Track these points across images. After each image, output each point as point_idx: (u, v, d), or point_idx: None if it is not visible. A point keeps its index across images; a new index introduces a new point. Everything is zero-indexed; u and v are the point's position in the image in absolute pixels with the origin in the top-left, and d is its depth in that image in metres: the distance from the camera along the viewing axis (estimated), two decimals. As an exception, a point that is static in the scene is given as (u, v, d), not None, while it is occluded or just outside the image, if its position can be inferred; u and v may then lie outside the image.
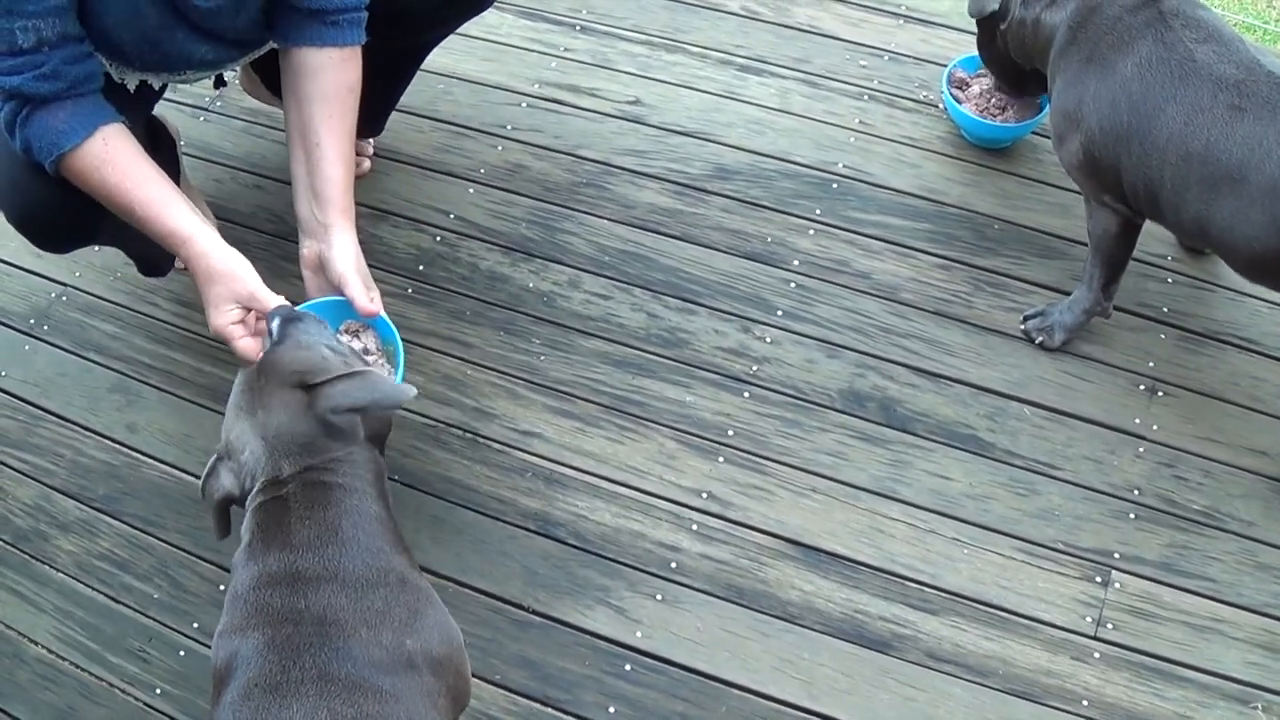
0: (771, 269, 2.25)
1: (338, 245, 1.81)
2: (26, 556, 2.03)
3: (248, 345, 1.69)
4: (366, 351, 1.82)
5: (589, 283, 2.25)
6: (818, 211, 2.31)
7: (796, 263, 2.25)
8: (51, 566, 2.02)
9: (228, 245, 1.72)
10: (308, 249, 1.85)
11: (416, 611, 1.44)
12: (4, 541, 2.05)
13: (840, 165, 2.37)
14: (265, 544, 1.42)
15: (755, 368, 2.13)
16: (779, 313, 2.19)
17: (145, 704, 1.88)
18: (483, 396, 2.13)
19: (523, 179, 2.40)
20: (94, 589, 1.99)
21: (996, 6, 2.08)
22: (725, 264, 2.26)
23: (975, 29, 2.23)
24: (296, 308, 1.84)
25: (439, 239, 2.33)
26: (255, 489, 1.47)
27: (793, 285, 2.22)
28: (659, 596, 1.92)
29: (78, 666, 1.92)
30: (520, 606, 1.93)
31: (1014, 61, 2.14)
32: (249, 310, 1.70)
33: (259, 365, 1.56)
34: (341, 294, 1.80)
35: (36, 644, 1.95)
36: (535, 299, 2.24)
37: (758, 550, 1.95)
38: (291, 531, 1.41)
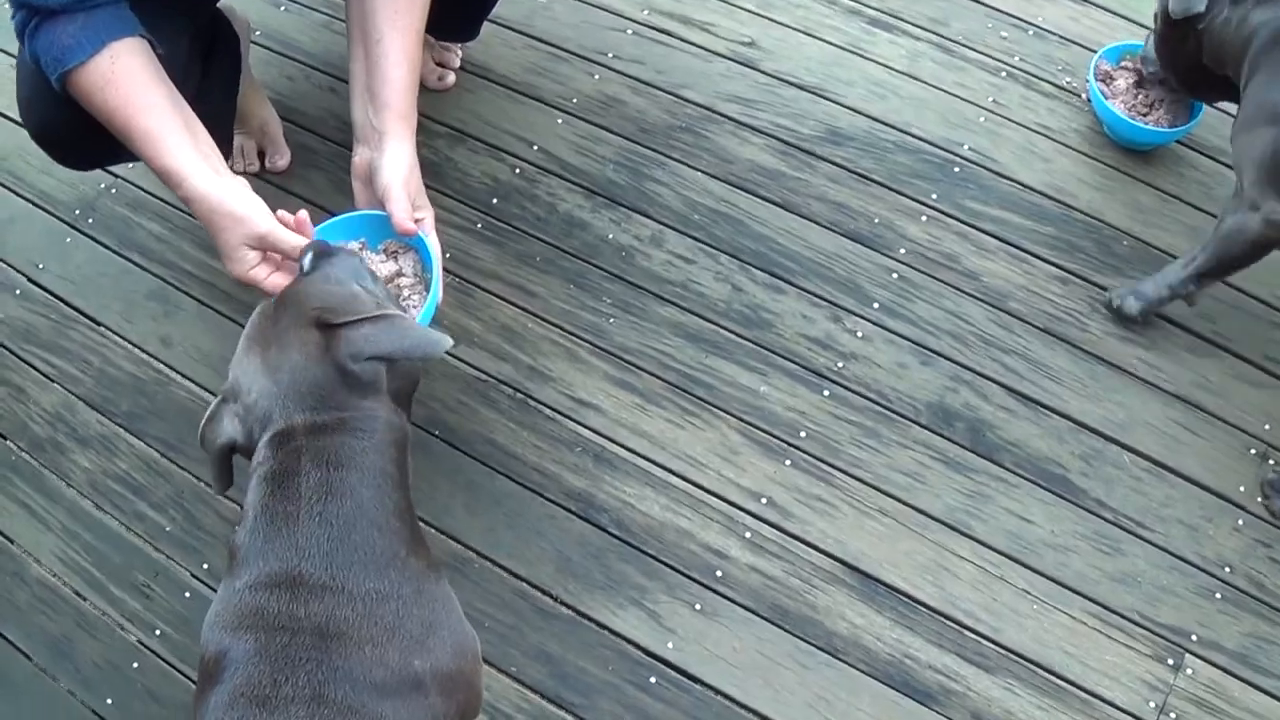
0: (874, 254, 2.04)
1: (389, 154, 1.64)
2: (40, 468, 1.92)
3: (279, 281, 1.55)
4: (400, 275, 1.67)
5: (672, 241, 2.07)
6: (933, 196, 2.10)
7: (902, 250, 2.04)
8: (65, 481, 1.90)
9: (234, 183, 1.55)
10: (359, 157, 1.70)
11: (430, 626, 1.29)
12: (20, 448, 1.93)
13: (965, 147, 2.15)
14: (269, 535, 1.25)
15: (840, 364, 1.94)
16: (875, 305, 1.99)
17: (142, 643, 1.78)
18: (540, 355, 1.96)
19: (617, 115, 2.20)
20: (105, 512, 1.87)
21: (1203, 7, 1.84)
22: (824, 241, 2.06)
23: (1154, 23, 1.99)
24: (335, 218, 1.68)
25: (518, 171, 2.15)
26: (262, 442, 1.29)
27: (894, 276, 2.02)
28: (697, 606, 1.77)
29: (78, 594, 1.82)
30: (548, 594, 1.79)
31: (1201, 65, 1.90)
32: (266, 252, 1.55)
33: (280, 296, 1.39)
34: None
35: (40, 564, 1.84)
36: (612, 252, 2.06)
37: (811, 570, 1.79)
38: (299, 526, 1.24)
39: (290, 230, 1.55)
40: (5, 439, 1.95)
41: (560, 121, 2.20)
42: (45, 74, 1.51)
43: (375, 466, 1.29)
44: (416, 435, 1.87)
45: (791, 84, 2.23)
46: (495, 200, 2.12)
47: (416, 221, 1.65)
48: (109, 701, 1.76)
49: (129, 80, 1.51)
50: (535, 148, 2.17)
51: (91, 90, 1.50)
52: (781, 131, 2.17)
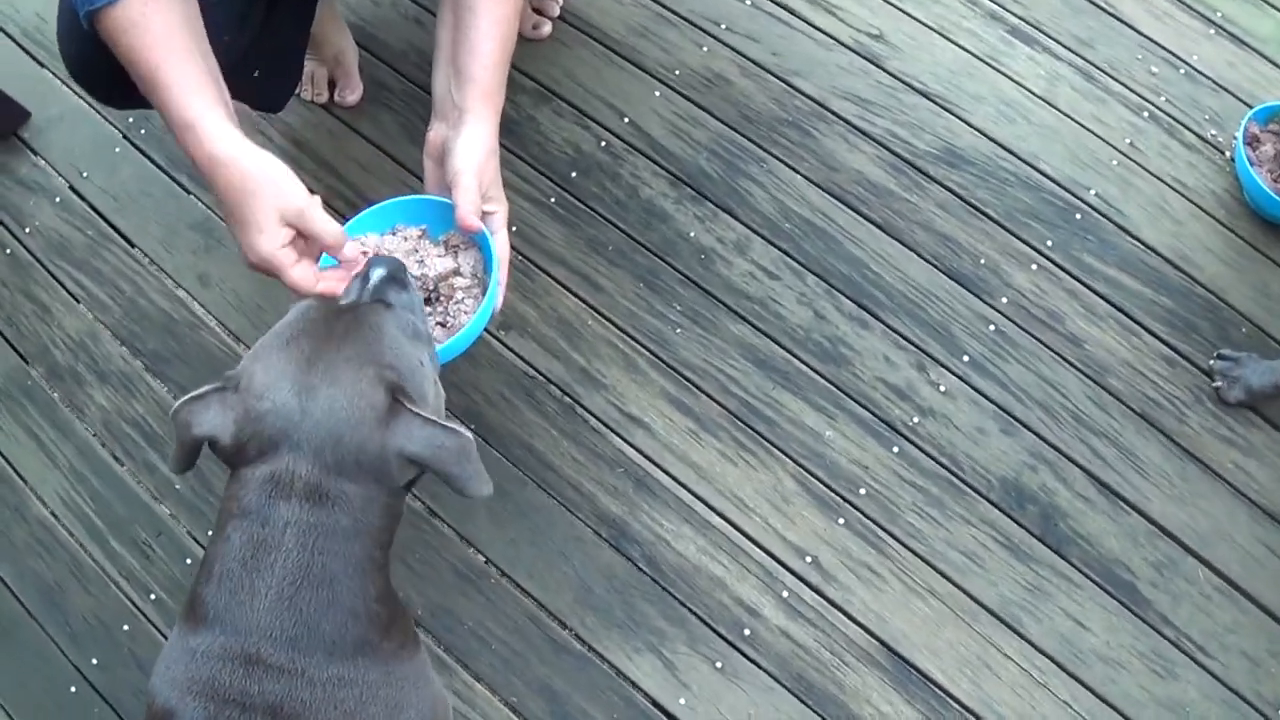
0: (974, 299, 1.87)
1: (466, 136, 1.47)
2: (56, 398, 1.81)
3: (304, 275, 1.37)
4: (457, 274, 1.51)
5: (758, 250, 1.90)
6: (1049, 243, 1.91)
7: (1004, 300, 1.87)
8: (79, 417, 1.80)
9: (266, 152, 1.37)
10: (434, 133, 1.53)
11: (396, 707, 1.19)
12: (38, 374, 1.83)
13: (1092, 192, 1.95)
14: (231, 604, 1.13)
15: (916, 419, 1.79)
16: (965, 357, 1.83)
17: (135, 605, 1.69)
18: (596, 357, 1.83)
19: (720, 96, 2.02)
20: (115, 457, 1.77)
21: None
22: (922, 275, 1.89)
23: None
24: (397, 200, 1.53)
25: (603, 144, 1.98)
26: (252, 473, 1.14)
27: (991, 328, 1.85)
28: (718, 664, 1.65)
29: (77, 541, 1.73)
30: (563, 624, 1.68)
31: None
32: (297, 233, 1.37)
33: (345, 309, 1.23)
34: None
35: (43, 502, 1.75)
36: (691, 253, 1.90)
37: (845, 645, 1.66)
38: (266, 606, 1.12)
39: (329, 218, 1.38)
40: (26, 362, 1.84)
41: (658, 94, 2.02)
42: (75, 11, 1.35)
43: (362, 554, 1.16)
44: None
45: (915, 89, 2.03)
46: (574, 174, 1.95)
47: (485, 216, 1.50)
48: (94, 661, 1.68)
49: (160, 25, 1.33)
50: (626, 120, 2.00)
51: (118, 32, 1.32)
52: (896, 143, 1.98)
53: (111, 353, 1.84)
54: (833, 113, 2.00)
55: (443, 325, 1.50)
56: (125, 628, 1.69)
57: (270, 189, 1.33)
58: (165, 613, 1.68)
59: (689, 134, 1.98)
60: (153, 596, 1.69)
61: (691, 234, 1.91)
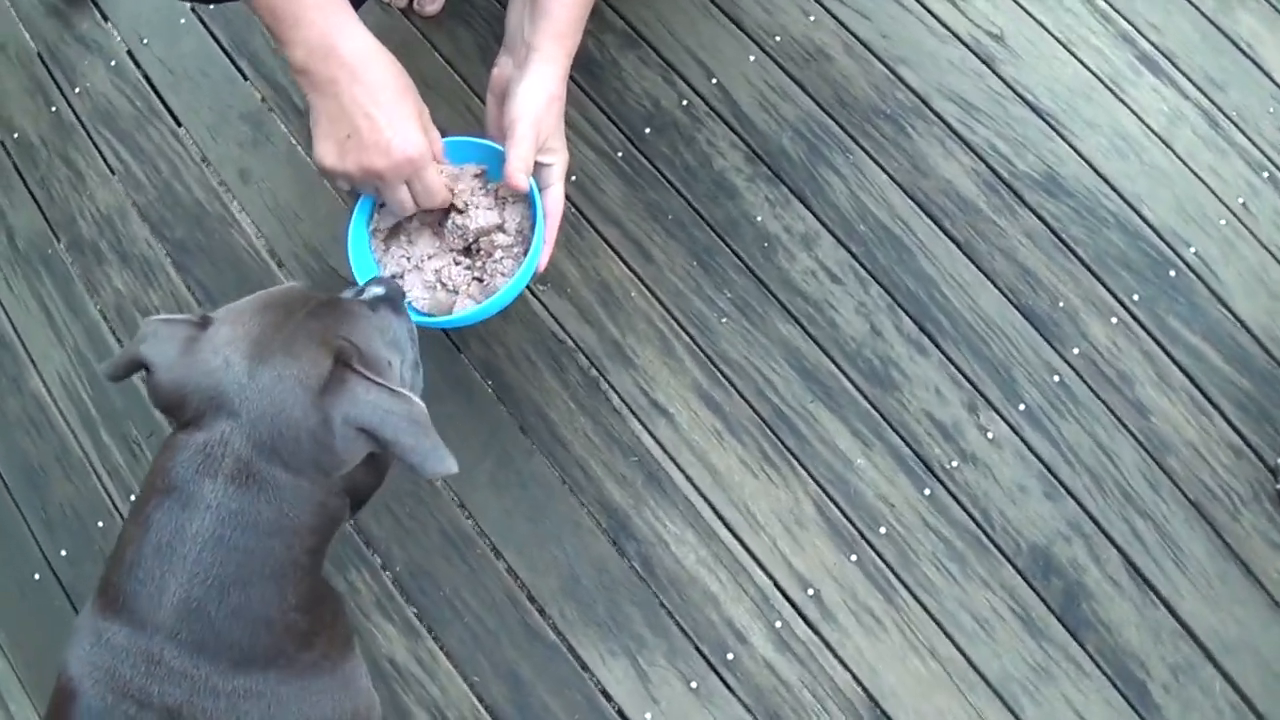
0: (1043, 344, 1.74)
1: (531, 78, 1.37)
2: (74, 273, 1.74)
3: (437, 179, 1.37)
4: (499, 229, 1.42)
5: (825, 248, 1.78)
6: (1135, 296, 1.77)
7: (1076, 351, 1.74)
8: (93, 296, 1.73)
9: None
10: (500, 68, 1.44)
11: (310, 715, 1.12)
12: (60, 243, 1.75)
13: (1192, 249, 1.80)
14: (137, 594, 1.04)
15: (955, 463, 1.68)
16: (1021, 406, 1.71)
17: (114, 503, 1.64)
18: (632, 332, 1.72)
19: (817, 72, 1.87)
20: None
21: None
22: (993, 307, 1.76)
23: None
24: (461, 138, 1.43)
25: (684, 103, 1.85)
26: (188, 436, 1.05)
27: (1056, 379, 1.72)
28: (693, 684, 1.58)
29: (69, 426, 1.67)
30: (543, 611, 1.61)
31: None
32: None
33: (330, 302, 1.15)
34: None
35: (42, 378, 1.69)
36: (754, 238, 1.78)
37: (830, 690, 1.58)
38: (172, 605, 1.03)
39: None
40: (51, 229, 1.77)
41: (752, 59, 1.88)
42: None
43: (283, 554, 1.07)
44: (467, 376, 1.67)
45: (1026, 102, 1.87)
46: (648, 130, 1.83)
47: (539, 168, 1.39)
48: (63, 553, 1.63)
49: None
50: (714, 81, 1.86)
51: None
52: (995, 157, 1.83)
53: (137, 235, 1.75)
54: (934, 112, 1.85)
55: (479, 280, 1.41)
56: (100, 524, 1.63)
57: (409, 86, 1.32)
58: (141, 519, 1.62)
59: (777, 108, 1.84)
60: (133, 497, 1.63)
61: (758, 218, 1.78)
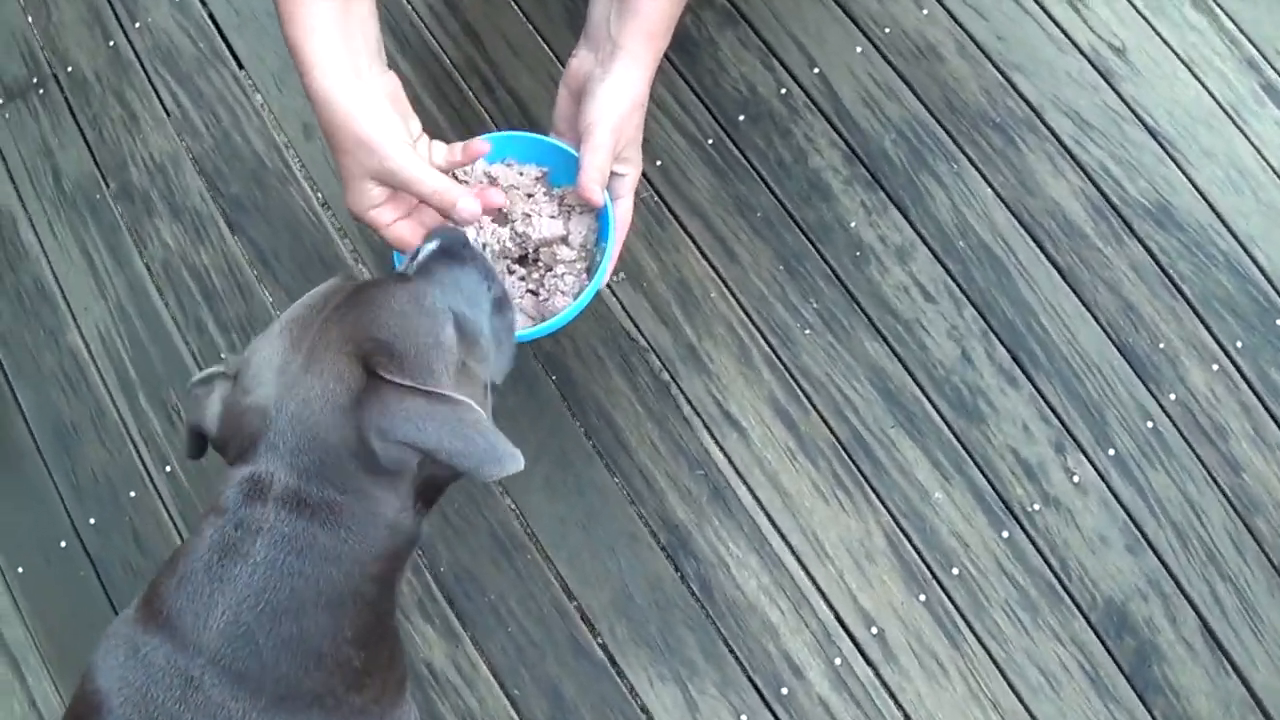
0: (1139, 386, 1.64)
1: (614, 79, 1.24)
2: (122, 221, 1.64)
3: (400, 233, 1.23)
4: (563, 242, 1.30)
5: (920, 263, 1.67)
6: (1239, 344, 1.67)
7: (1172, 397, 1.64)
8: (139, 249, 1.63)
9: (372, 91, 1.19)
10: (578, 60, 1.30)
11: None
12: (109, 189, 1.64)
13: (1304, 300, 1.71)
14: (183, 611, 0.97)
15: (1037, 506, 1.59)
16: (1111, 451, 1.62)
17: (148, 473, 1.55)
18: (709, 337, 1.62)
19: (926, 71, 1.75)
20: (166, 306, 1.60)
21: None
22: (1092, 343, 1.66)
23: None
24: (523, 134, 1.32)
25: (783, 91, 1.73)
26: (236, 473, 0.98)
27: (1149, 425, 1.63)
28: (743, 718, 1.50)
29: (106, 386, 1.57)
30: (592, 626, 1.53)
31: None
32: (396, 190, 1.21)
33: (354, 290, 1.05)
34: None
35: (80, 332, 1.60)
36: (846, 245, 1.67)
37: (886, 736, 1.51)
38: (219, 626, 0.96)
39: (435, 166, 1.20)
40: (100, 171, 1.65)
41: (859, 50, 1.75)
42: None
43: (343, 582, 0.99)
44: (529, 368, 1.57)
45: (1143, 123, 1.75)
46: (741, 118, 1.71)
47: (611, 179, 1.28)
48: (91, 521, 1.54)
49: None
50: (816, 71, 1.74)
51: None
52: (1106, 180, 1.72)
53: (190, 186, 1.65)
54: (1047, 125, 1.74)
55: (534, 294, 1.30)
56: (132, 494, 1.54)
57: (355, 146, 1.18)
58: (176, 491, 1.54)
59: (881, 106, 1.73)
60: (168, 469, 1.54)
61: (852, 224, 1.68)
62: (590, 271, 1.30)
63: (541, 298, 1.29)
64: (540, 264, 1.30)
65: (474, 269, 1.13)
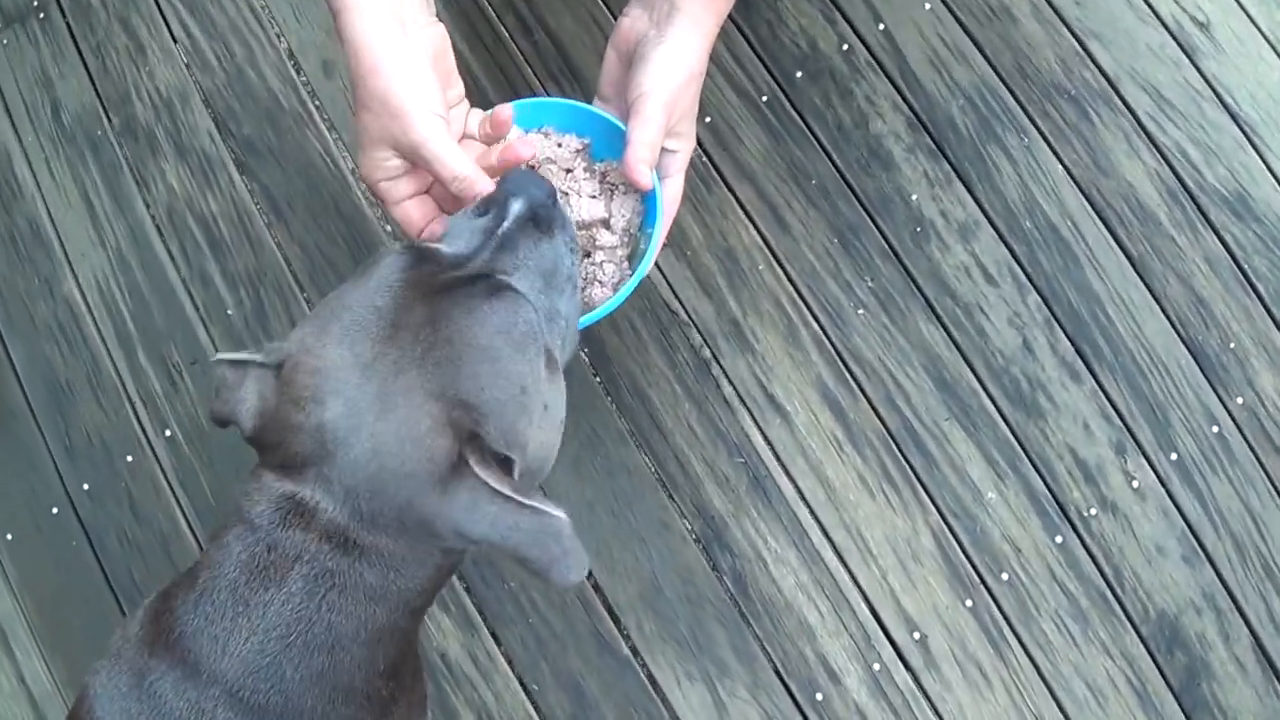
0: (1206, 387, 1.55)
1: (670, 45, 1.11)
2: (124, 161, 1.50)
3: (409, 213, 1.09)
4: (605, 226, 1.16)
5: (984, 242, 1.56)
6: (1313, 347, 1.58)
7: (1240, 401, 1.55)
8: (142, 190, 1.50)
9: (414, 49, 1.05)
10: (630, 20, 1.16)
11: None
12: (111, 125, 1.50)
13: (1382, 304, 1.61)
14: (205, 632, 0.88)
15: (1094, 510, 1.50)
16: (1173, 455, 1.52)
17: (146, 437, 1.44)
18: (754, 312, 1.51)
19: (999, 34, 1.63)
20: (169, 255, 1.48)
21: None
22: (1159, 338, 1.55)
23: None
24: (564, 101, 1.18)
25: (845, 48, 1.60)
26: (277, 487, 0.88)
27: (1215, 429, 1.54)
28: (777, 723, 1.42)
29: (103, 340, 1.45)
30: (617, 619, 1.44)
31: None
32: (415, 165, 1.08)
33: (440, 301, 0.91)
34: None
35: (77, 281, 1.47)
36: (906, 219, 1.56)
37: (923, 748, 1.43)
38: (242, 654, 0.87)
39: (459, 148, 1.05)
40: (103, 104, 1.51)
41: (928, 7, 1.62)
42: None
43: (385, 620, 0.91)
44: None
45: (1224, 104, 1.63)
46: (799, 75, 1.58)
47: (661, 156, 1.14)
48: (85, 487, 1.44)
49: None
50: (881, 27, 1.61)
51: None
52: (1183, 164, 1.61)
53: (199, 125, 1.51)
54: (1124, 100, 1.62)
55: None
56: (129, 459, 1.44)
57: (380, 108, 1.03)
58: (177, 458, 1.43)
59: (950, 70, 1.60)
60: (168, 433, 1.43)
61: (914, 196, 1.56)
62: (632, 260, 1.17)
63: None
64: (578, 249, 1.17)
65: (561, 239, 1.01)
